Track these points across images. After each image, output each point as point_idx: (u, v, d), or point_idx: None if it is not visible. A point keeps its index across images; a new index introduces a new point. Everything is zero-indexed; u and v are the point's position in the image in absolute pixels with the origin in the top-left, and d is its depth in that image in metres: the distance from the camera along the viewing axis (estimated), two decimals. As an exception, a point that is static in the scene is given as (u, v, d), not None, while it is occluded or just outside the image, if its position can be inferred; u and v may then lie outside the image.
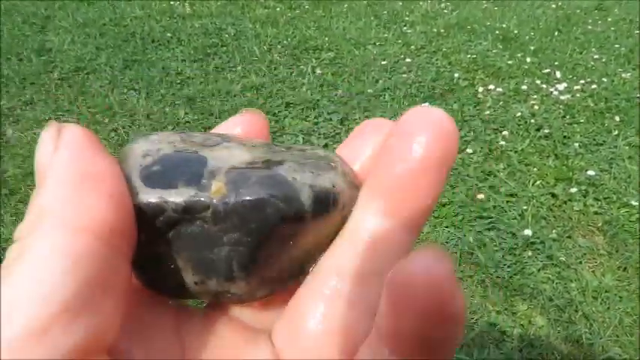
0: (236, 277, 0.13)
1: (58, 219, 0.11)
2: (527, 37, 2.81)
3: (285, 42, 2.56)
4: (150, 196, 0.12)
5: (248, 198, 0.12)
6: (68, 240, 0.11)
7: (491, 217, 1.42)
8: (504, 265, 1.27)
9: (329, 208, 0.14)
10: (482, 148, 1.74)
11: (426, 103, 2.00)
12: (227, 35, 2.60)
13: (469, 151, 1.72)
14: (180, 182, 0.13)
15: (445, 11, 3.24)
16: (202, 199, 0.12)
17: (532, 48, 2.64)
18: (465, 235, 1.35)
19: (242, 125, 0.16)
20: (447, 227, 1.38)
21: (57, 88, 1.98)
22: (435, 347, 0.12)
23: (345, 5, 3.19)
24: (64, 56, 2.22)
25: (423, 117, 0.13)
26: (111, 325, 0.11)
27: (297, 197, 0.13)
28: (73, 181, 0.11)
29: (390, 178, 0.13)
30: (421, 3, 3.37)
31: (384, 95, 2.08)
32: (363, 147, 0.15)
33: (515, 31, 2.90)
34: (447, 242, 1.33)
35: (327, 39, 2.64)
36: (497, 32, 2.87)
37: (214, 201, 0.12)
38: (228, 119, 0.17)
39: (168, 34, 2.56)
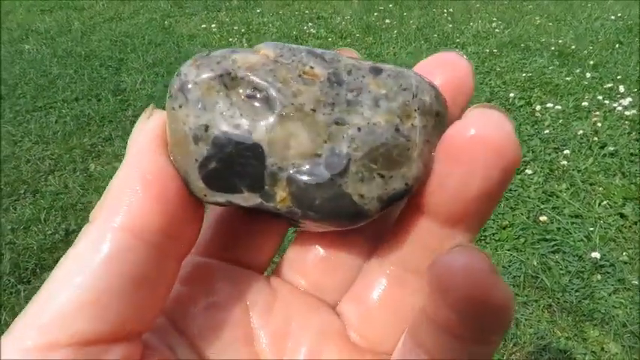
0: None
1: (103, 218, 0.12)
2: (585, 52, 2.73)
3: (337, 70, 2.65)
4: (217, 198, 0.13)
5: (315, 216, 0.13)
6: (106, 238, 0.12)
7: (556, 240, 1.38)
8: (572, 289, 1.23)
9: (401, 202, 0.13)
10: (542, 168, 1.71)
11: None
12: (282, 67, 2.72)
13: (529, 171, 1.69)
14: (243, 186, 0.13)
15: (497, 30, 3.21)
16: (270, 207, 0.13)
17: (591, 62, 2.56)
18: (528, 259, 1.33)
19: None
20: (508, 250, 1.36)
21: (131, 125, 2.16)
22: (479, 333, 0.12)
23: (395, 31, 3.25)
24: (137, 95, 2.42)
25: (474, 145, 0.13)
26: (141, 316, 0.12)
27: (364, 213, 0.13)
28: (126, 183, 0.12)
29: (443, 196, 0.13)
30: (472, 24, 3.37)
31: (438, 118, 2.09)
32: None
33: (573, 46, 2.82)
34: (509, 265, 1.32)
35: (378, 65, 2.70)
36: (552, 48, 2.81)
37: (280, 209, 0.13)
38: None
39: (228, 69, 2.72)
